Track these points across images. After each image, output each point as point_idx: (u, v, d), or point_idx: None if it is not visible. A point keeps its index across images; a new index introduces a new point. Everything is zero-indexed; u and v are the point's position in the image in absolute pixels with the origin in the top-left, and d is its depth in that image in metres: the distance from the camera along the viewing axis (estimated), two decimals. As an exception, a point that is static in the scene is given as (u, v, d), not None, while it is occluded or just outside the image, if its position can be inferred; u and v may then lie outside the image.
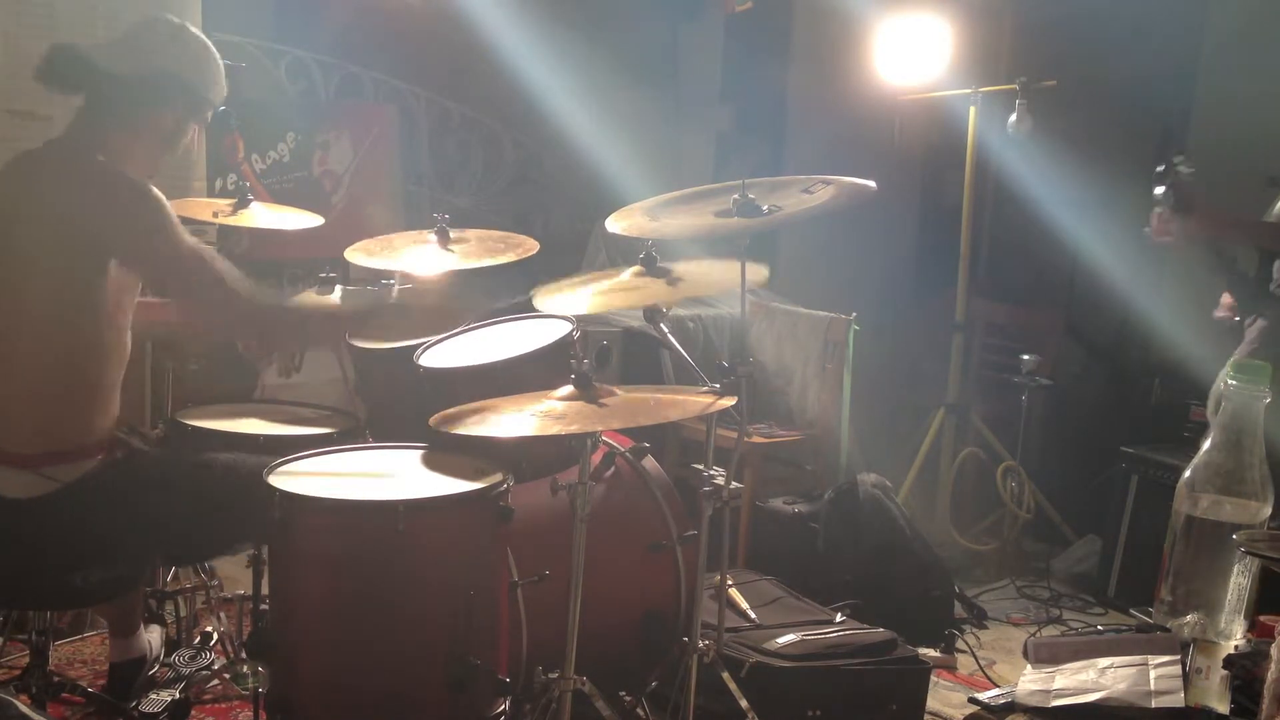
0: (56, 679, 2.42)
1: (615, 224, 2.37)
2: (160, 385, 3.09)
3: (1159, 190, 2.73)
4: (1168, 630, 2.02)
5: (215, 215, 2.90)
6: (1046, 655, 2.11)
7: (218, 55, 2.30)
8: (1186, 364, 2.80)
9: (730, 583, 2.72)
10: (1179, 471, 2.52)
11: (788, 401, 4.06)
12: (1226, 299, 2.84)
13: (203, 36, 2.29)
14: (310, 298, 2.44)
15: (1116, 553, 3.81)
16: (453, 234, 2.75)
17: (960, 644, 3.39)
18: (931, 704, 2.82)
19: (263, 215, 2.96)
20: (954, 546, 4.14)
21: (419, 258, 2.73)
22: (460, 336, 2.57)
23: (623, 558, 2.52)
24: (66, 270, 2.09)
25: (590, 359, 2.06)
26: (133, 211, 2.10)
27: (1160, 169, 2.73)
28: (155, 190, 2.13)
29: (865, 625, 2.83)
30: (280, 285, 4.07)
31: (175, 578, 2.98)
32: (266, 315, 2.21)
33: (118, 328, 2.17)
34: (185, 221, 3.08)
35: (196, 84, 2.27)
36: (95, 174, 2.12)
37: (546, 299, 2.38)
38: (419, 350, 2.45)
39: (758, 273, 2.35)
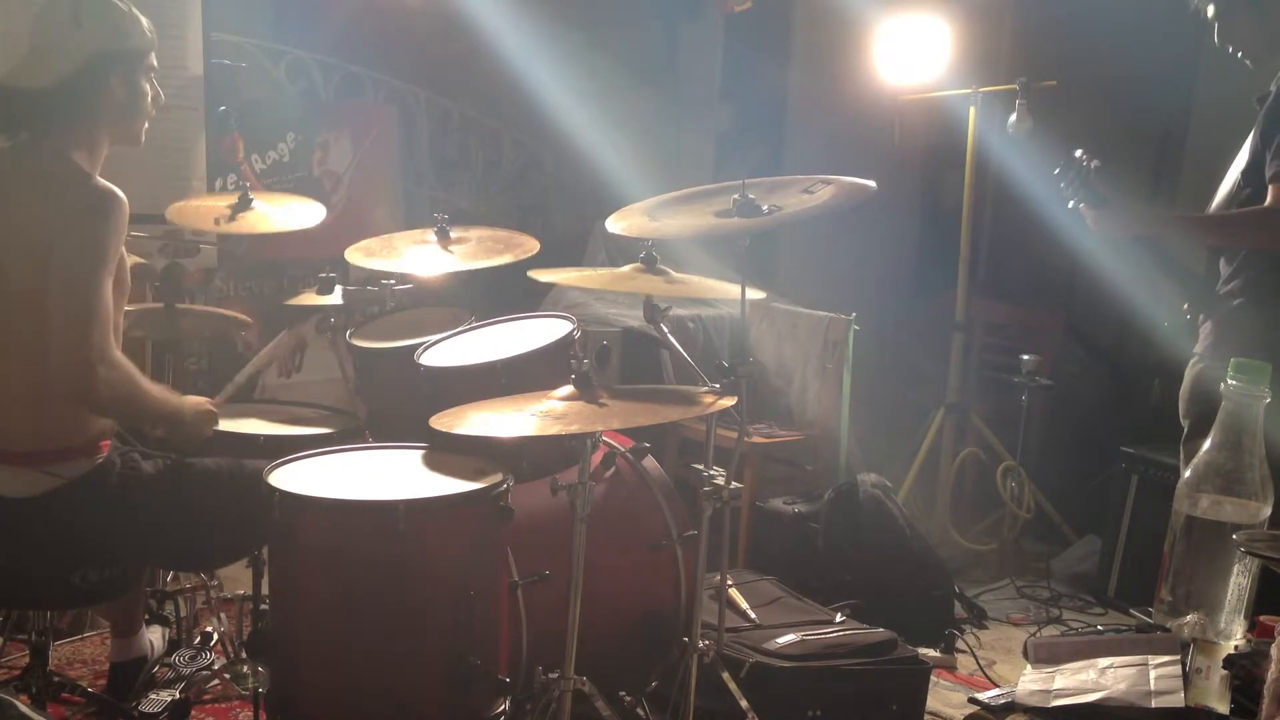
0: (56, 679, 2.42)
1: (615, 224, 2.37)
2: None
3: (1062, 186, 2.68)
4: (1168, 630, 2.02)
5: (216, 223, 2.89)
6: (1046, 655, 2.11)
7: (119, 3, 2.17)
8: (1187, 364, 2.79)
9: (730, 583, 2.72)
10: (1179, 471, 2.52)
11: (788, 401, 4.07)
12: (1186, 306, 2.82)
13: None
14: (164, 404, 2.21)
15: (1116, 553, 3.81)
16: (454, 233, 2.76)
17: (960, 644, 3.39)
18: (931, 704, 2.82)
19: (263, 218, 2.95)
20: (954, 546, 4.14)
21: (419, 257, 2.73)
22: (460, 336, 2.58)
23: (623, 557, 2.52)
24: (43, 275, 2.06)
25: (590, 359, 2.06)
26: (86, 221, 2.03)
27: (1059, 166, 2.69)
28: (120, 212, 2.06)
29: (865, 625, 2.83)
30: (281, 287, 4.08)
31: (175, 578, 2.97)
32: (115, 385, 2.05)
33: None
34: (187, 232, 3.10)
35: (118, 47, 2.16)
36: (62, 175, 2.08)
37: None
38: (419, 349, 2.45)
39: (755, 294, 2.36)
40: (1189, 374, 2.74)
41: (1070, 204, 2.69)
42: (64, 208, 2.05)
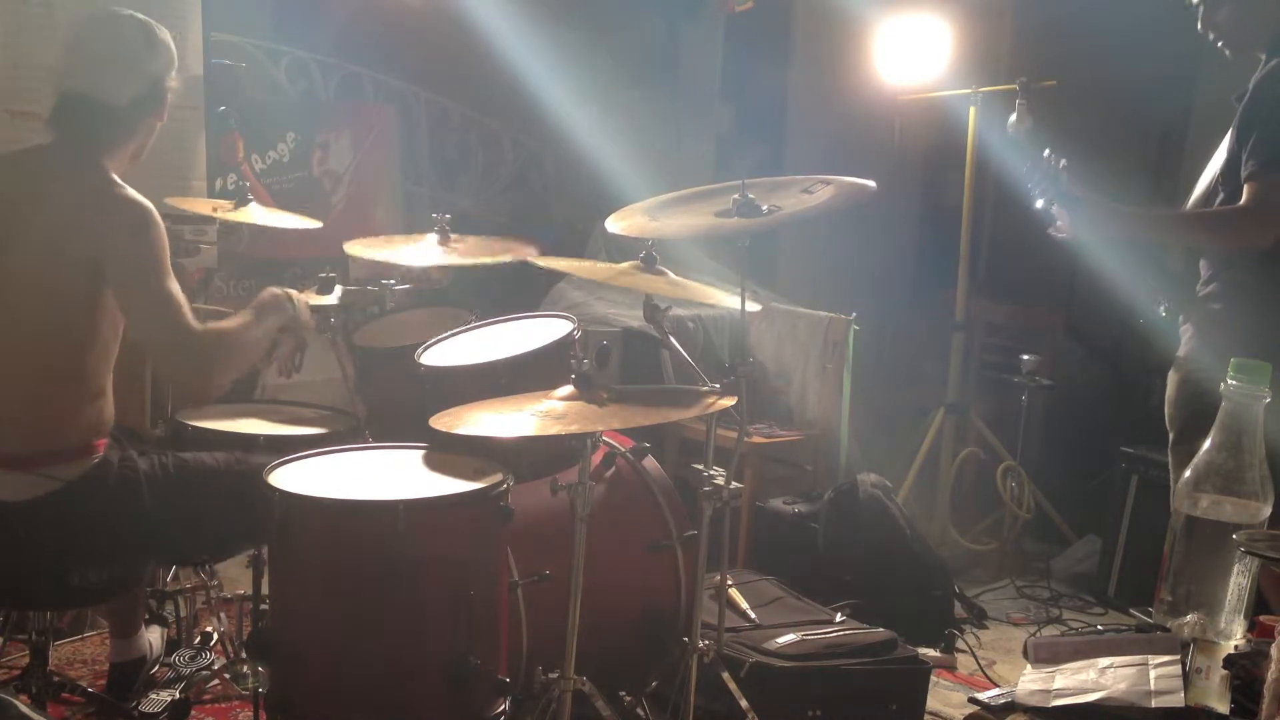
0: (56, 679, 2.42)
1: (615, 224, 2.37)
2: (160, 385, 3.09)
3: (1030, 186, 2.68)
4: (1168, 630, 2.02)
5: (215, 210, 2.90)
6: (1046, 655, 2.11)
7: (168, 33, 2.28)
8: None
9: (730, 583, 2.72)
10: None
11: (788, 401, 4.07)
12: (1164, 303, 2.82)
13: (151, 21, 2.26)
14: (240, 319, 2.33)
15: (1116, 553, 3.81)
16: (453, 237, 2.76)
17: (960, 644, 3.39)
18: (931, 704, 2.82)
19: (263, 213, 2.96)
20: (954, 546, 4.15)
21: (419, 251, 2.74)
22: (460, 335, 2.58)
23: (623, 557, 2.52)
24: (63, 276, 2.09)
25: (590, 359, 2.06)
26: (133, 239, 2.10)
27: (1028, 166, 2.67)
28: (157, 218, 2.13)
29: (865, 625, 2.83)
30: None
31: (175, 578, 2.98)
32: (218, 355, 2.19)
33: (114, 328, 2.17)
34: (186, 218, 3.12)
35: (166, 76, 2.27)
36: (101, 188, 2.12)
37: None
38: (419, 349, 2.45)
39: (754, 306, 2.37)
40: (1172, 380, 2.72)
41: (1040, 203, 2.69)
42: (108, 224, 2.10)
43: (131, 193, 2.14)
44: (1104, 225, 2.68)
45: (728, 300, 2.45)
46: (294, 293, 2.40)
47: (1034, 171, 2.64)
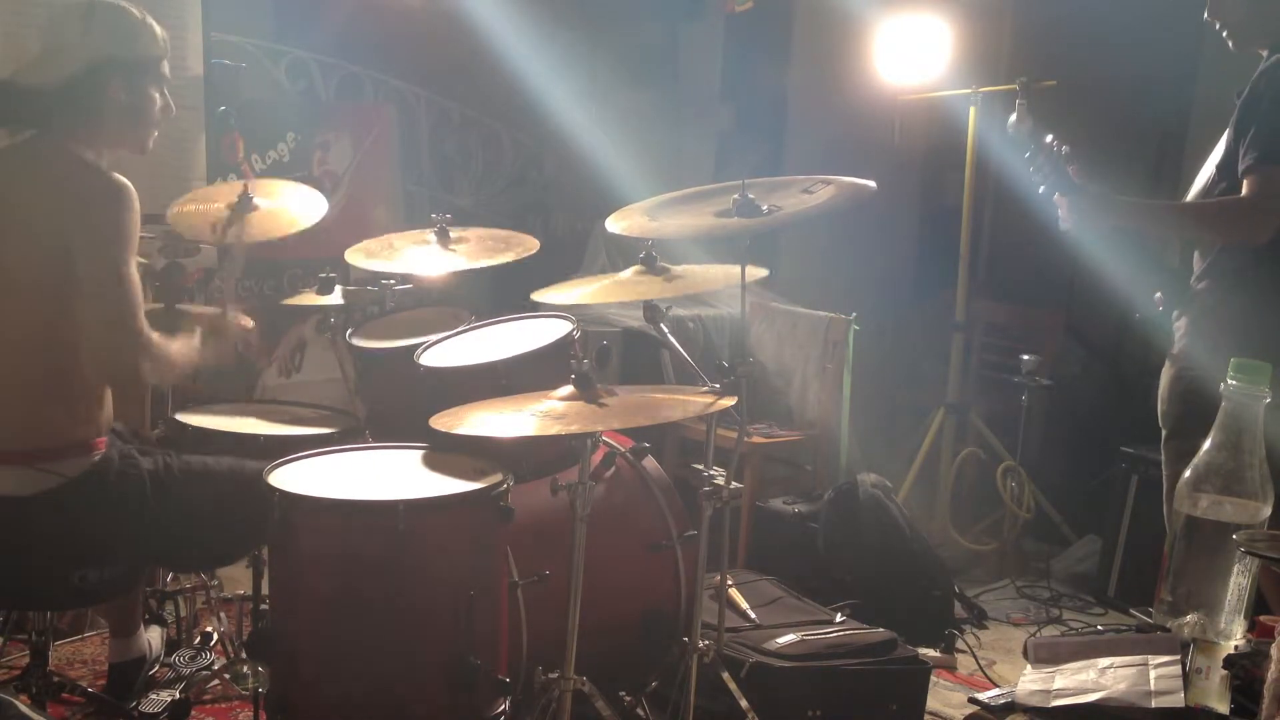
0: (56, 679, 2.42)
1: (615, 224, 2.37)
2: (160, 385, 3.09)
3: (1032, 171, 2.68)
4: (1168, 630, 2.02)
5: (214, 229, 2.86)
6: (1046, 655, 2.11)
7: (134, 11, 2.21)
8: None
9: (730, 583, 2.72)
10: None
11: (788, 401, 4.07)
12: (1159, 296, 2.82)
13: (113, 2, 2.20)
14: (191, 356, 2.25)
15: (1116, 553, 3.81)
16: (453, 233, 2.76)
17: (960, 644, 3.39)
18: (931, 704, 2.82)
19: (263, 221, 2.92)
20: (954, 546, 4.14)
21: (419, 257, 2.73)
22: (460, 336, 2.58)
23: (623, 557, 2.52)
24: (48, 270, 2.07)
25: (590, 359, 2.06)
26: (101, 210, 2.07)
27: (1029, 152, 2.68)
28: (133, 200, 2.09)
29: (865, 625, 2.83)
30: (281, 287, 4.08)
31: (175, 578, 2.98)
32: (152, 358, 2.12)
33: None
34: (185, 242, 3.09)
35: (125, 54, 2.19)
36: (75, 173, 2.11)
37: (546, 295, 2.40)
38: (419, 349, 2.45)
39: (756, 272, 2.36)
40: (1165, 375, 2.72)
41: (1041, 189, 2.69)
42: (78, 200, 2.08)
43: (108, 172, 2.12)
44: (1104, 215, 2.68)
45: (731, 276, 2.41)
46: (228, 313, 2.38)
47: (1037, 157, 2.64)
